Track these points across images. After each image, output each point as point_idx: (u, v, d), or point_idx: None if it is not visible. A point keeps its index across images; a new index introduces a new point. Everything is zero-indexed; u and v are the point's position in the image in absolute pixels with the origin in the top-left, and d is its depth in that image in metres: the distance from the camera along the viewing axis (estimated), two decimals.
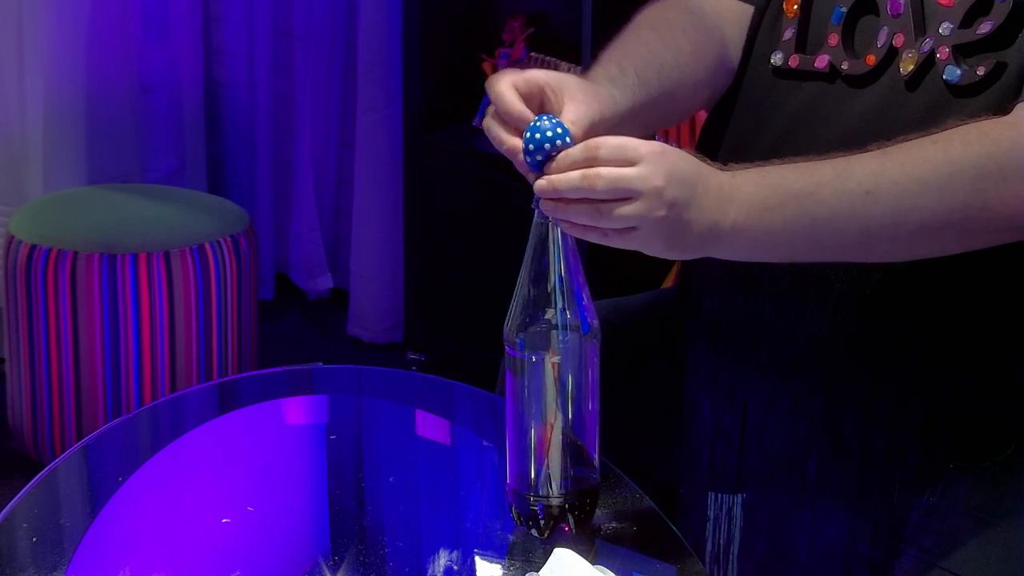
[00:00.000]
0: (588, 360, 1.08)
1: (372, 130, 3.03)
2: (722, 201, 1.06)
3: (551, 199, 1.04)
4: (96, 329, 2.33)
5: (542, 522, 1.11)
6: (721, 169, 1.09)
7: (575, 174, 1.02)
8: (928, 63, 1.15)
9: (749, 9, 1.32)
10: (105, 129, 3.02)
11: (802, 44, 1.26)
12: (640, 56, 1.23)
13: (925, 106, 1.15)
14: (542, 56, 2.76)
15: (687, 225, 1.04)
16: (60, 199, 2.63)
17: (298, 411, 1.43)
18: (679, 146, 1.09)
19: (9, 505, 1.15)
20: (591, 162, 1.02)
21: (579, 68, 2.61)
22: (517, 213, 2.69)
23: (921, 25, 1.17)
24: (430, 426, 1.40)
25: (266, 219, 3.34)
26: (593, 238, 1.05)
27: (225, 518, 1.17)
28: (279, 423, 1.40)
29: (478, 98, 2.82)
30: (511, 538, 1.14)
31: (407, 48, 2.79)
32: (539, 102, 1.11)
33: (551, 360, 1.07)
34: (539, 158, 1.04)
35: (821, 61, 1.23)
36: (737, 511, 1.29)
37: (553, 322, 1.07)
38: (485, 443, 1.34)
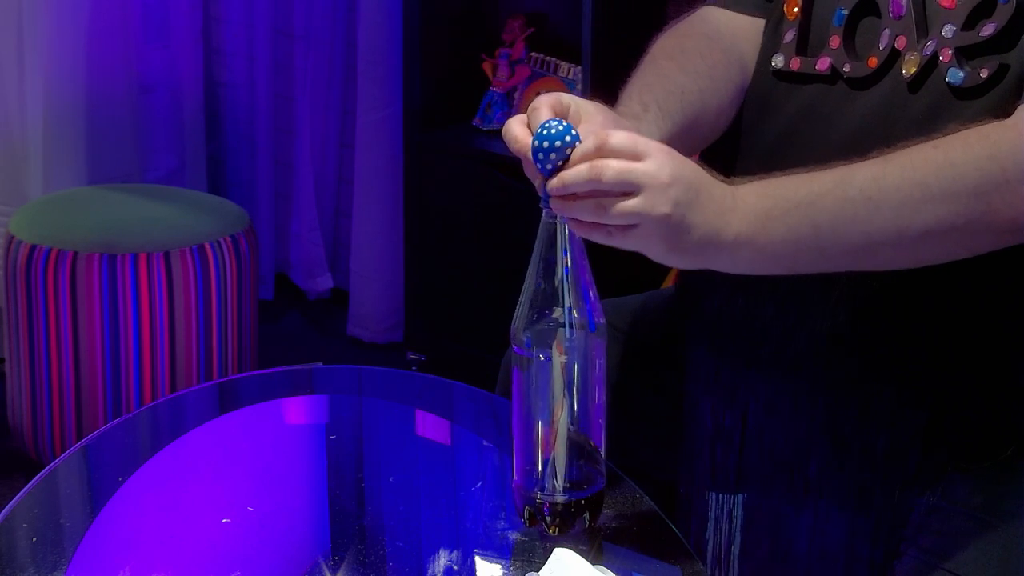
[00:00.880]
0: (595, 358, 1.09)
1: (372, 130, 3.03)
2: (724, 210, 1.06)
3: (560, 197, 1.04)
4: (96, 329, 2.33)
5: (548, 519, 1.11)
6: (724, 181, 1.09)
7: (583, 166, 1.03)
8: (930, 65, 1.15)
9: (762, 23, 1.32)
10: (105, 129, 3.02)
11: (803, 46, 1.25)
12: (661, 88, 1.22)
13: (927, 108, 1.15)
14: (542, 56, 2.76)
15: (688, 228, 1.04)
16: (60, 199, 2.63)
17: (298, 411, 1.43)
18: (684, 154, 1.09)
19: (9, 505, 1.15)
20: (600, 152, 1.03)
21: (579, 68, 2.61)
22: (517, 213, 2.70)
23: (923, 27, 1.17)
24: (430, 426, 1.40)
25: (266, 219, 3.34)
26: (598, 237, 1.05)
27: (225, 518, 1.17)
28: (279, 423, 1.40)
29: (478, 98, 2.82)
30: (511, 538, 1.14)
31: (407, 48, 2.79)
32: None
33: (558, 358, 1.08)
34: (548, 159, 1.04)
35: (822, 63, 1.23)
36: (737, 511, 1.30)
37: (560, 320, 1.07)
38: (485, 443, 1.34)
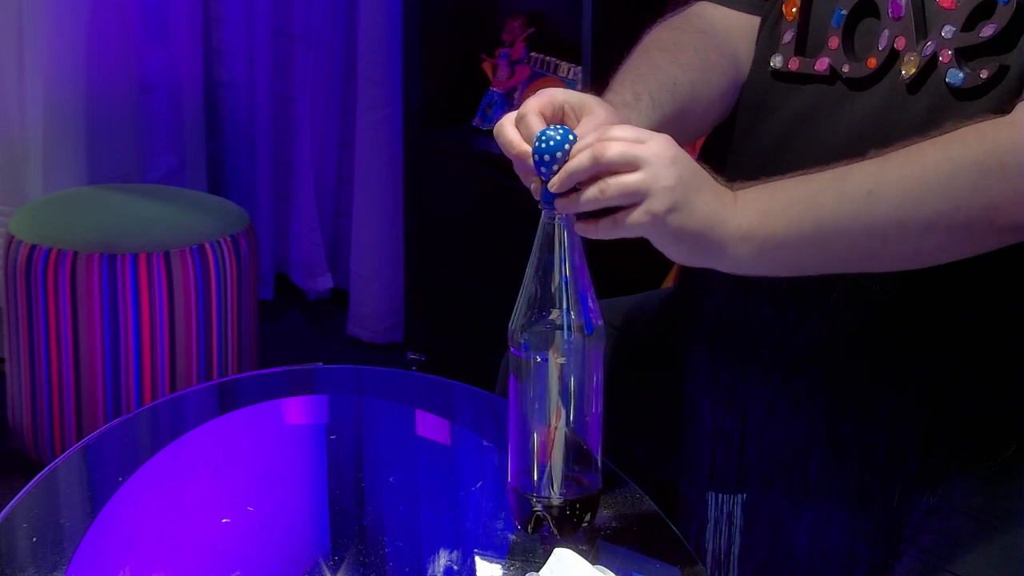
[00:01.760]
0: (592, 360, 1.09)
1: (372, 130, 3.03)
2: (724, 203, 1.07)
3: (563, 194, 1.05)
4: (96, 329, 2.33)
5: (544, 522, 1.11)
6: (723, 184, 1.10)
7: (586, 152, 1.03)
8: (930, 66, 1.15)
9: (757, 20, 1.32)
10: (105, 129, 3.02)
11: (801, 47, 1.25)
12: (653, 78, 1.23)
13: (926, 109, 1.15)
14: (542, 56, 2.76)
15: (690, 209, 1.05)
16: (60, 199, 2.63)
17: (298, 411, 1.43)
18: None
19: (9, 505, 1.15)
20: (602, 140, 1.04)
21: (579, 68, 2.61)
22: (517, 213, 2.69)
23: (923, 28, 1.17)
24: (430, 426, 1.40)
25: (266, 219, 3.34)
26: (604, 231, 1.06)
27: (225, 518, 1.17)
28: (279, 423, 1.40)
29: (478, 98, 2.82)
30: (511, 538, 1.14)
31: (407, 48, 2.79)
32: (559, 122, 1.11)
33: (555, 360, 1.07)
34: (551, 170, 1.05)
35: (821, 64, 1.23)
36: (737, 512, 1.30)
37: (558, 322, 1.07)
38: (485, 443, 1.34)
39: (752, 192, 1.10)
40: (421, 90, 2.78)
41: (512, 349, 1.09)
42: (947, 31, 1.15)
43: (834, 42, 1.22)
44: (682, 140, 1.14)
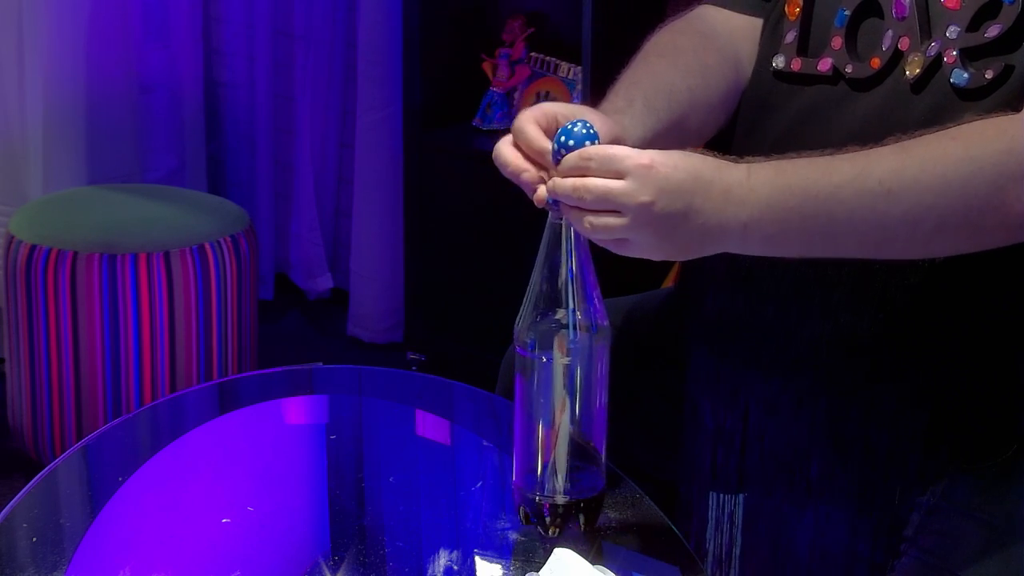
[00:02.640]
0: (598, 360, 1.09)
1: (372, 130, 3.03)
2: (731, 202, 1.06)
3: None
4: (96, 329, 2.33)
5: (548, 520, 1.11)
6: (736, 162, 1.08)
7: (568, 182, 1.04)
8: (934, 66, 1.15)
9: (759, 22, 1.32)
10: (105, 129, 3.02)
11: (804, 47, 1.25)
12: (648, 84, 1.22)
13: (930, 109, 1.14)
14: (542, 56, 2.76)
15: (683, 235, 1.05)
16: (60, 199, 2.63)
17: (298, 411, 1.43)
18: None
19: (9, 505, 1.15)
20: (583, 172, 1.03)
21: (579, 68, 2.61)
22: (517, 213, 2.69)
23: (927, 28, 1.16)
24: (430, 426, 1.40)
25: (266, 219, 3.34)
26: (597, 238, 1.06)
27: (225, 518, 1.17)
28: (279, 423, 1.40)
29: (478, 98, 2.82)
30: (511, 538, 1.14)
31: (407, 48, 2.79)
32: (553, 133, 1.11)
33: (561, 360, 1.08)
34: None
35: (824, 64, 1.23)
36: (738, 512, 1.29)
37: (564, 322, 1.07)
38: (485, 443, 1.34)
39: (766, 181, 1.07)
40: (421, 90, 2.78)
41: (518, 348, 1.09)
42: (952, 31, 1.14)
43: (837, 42, 1.22)
44: (684, 145, 1.14)
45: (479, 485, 1.24)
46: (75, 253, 2.32)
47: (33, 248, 2.34)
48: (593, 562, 1.06)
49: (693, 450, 1.32)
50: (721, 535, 1.31)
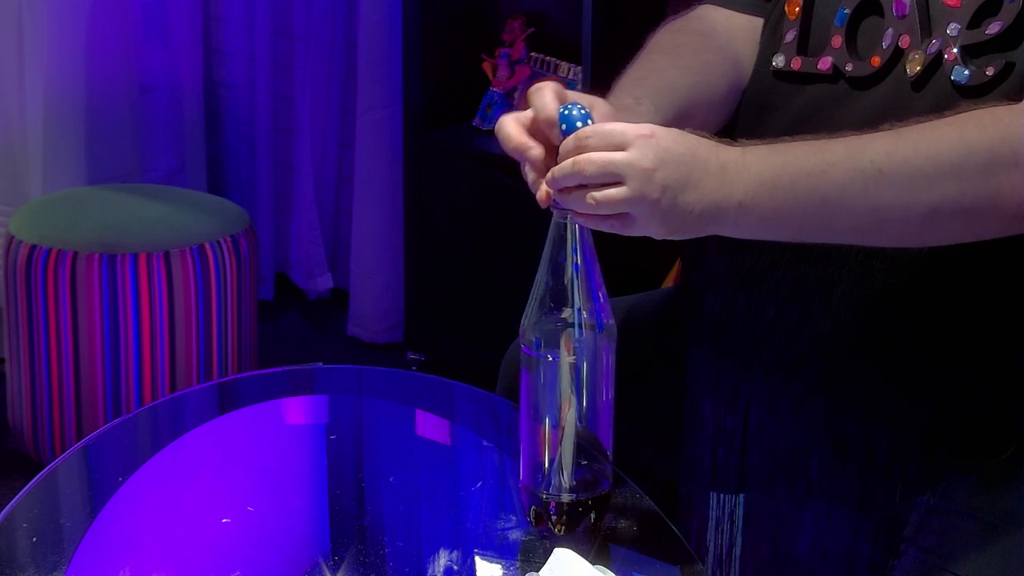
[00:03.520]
0: (603, 358, 1.09)
1: (372, 130, 3.03)
2: (726, 181, 1.06)
3: (559, 189, 1.05)
4: (96, 329, 2.33)
5: (554, 519, 1.11)
6: (730, 145, 1.08)
7: (567, 161, 1.03)
8: (935, 64, 1.15)
9: (759, 22, 1.32)
10: (105, 129, 3.02)
11: (804, 46, 1.25)
12: (652, 82, 1.23)
13: (931, 107, 1.14)
14: (542, 56, 2.76)
15: (684, 207, 1.04)
16: (60, 199, 2.63)
17: (298, 411, 1.43)
18: None
19: (9, 505, 1.15)
20: (581, 149, 1.04)
21: (579, 68, 2.61)
22: (517, 213, 2.70)
23: (927, 26, 1.16)
24: (430, 426, 1.40)
25: (266, 219, 3.34)
26: (604, 227, 1.06)
27: (225, 518, 1.17)
28: (279, 423, 1.40)
29: (478, 98, 2.82)
30: (511, 538, 1.14)
31: (407, 48, 2.79)
32: None
33: (566, 358, 1.08)
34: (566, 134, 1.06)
35: (824, 63, 1.23)
36: (739, 512, 1.29)
37: (569, 320, 1.07)
38: (485, 443, 1.34)
39: (760, 159, 1.08)
40: (421, 90, 2.78)
41: (523, 347, 1.09)
42: (952, 28, 1.14)
43: (837, 41, 1.22)
44: None
45: (479, 485, 1.24)
46: (75, 253, 2.32)
47: (33, 248, 2.34)
48: (593, 562, 1.06)
49: (693, 450, 1.32)
50: (721, 535, 1.31)
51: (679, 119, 1.22)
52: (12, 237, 2.40)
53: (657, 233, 1.06)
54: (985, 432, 1.20)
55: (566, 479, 1.10)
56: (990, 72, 1.12)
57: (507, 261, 2.68)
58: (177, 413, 1.45)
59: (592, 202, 1.03)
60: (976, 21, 1.14)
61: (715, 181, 1.06)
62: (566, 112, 1.06)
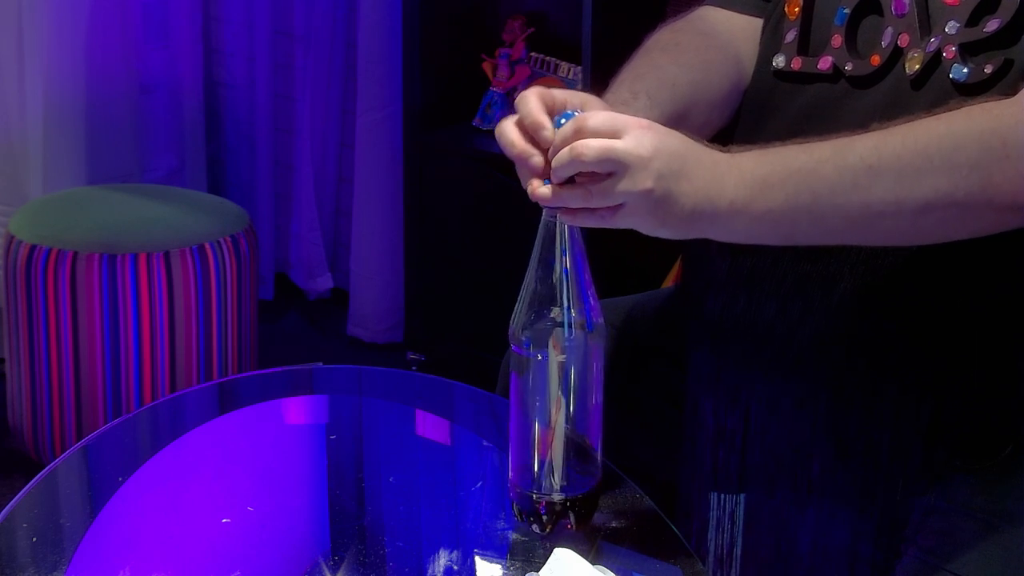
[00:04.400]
0: (593, 358, 1.09)
1: (372, 130, 3.03)
2: (718, 177, 1.06)
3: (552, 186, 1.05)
4: (96, 329, 2.33)
5: (544, 518, 1.11)
6: (720, 149, 1.09)
7: (565, 150, 1.03)
8: (934, 62, 1.15)
9: (759, 23, 1.32)
10: (105, 129, 3.02)
11: (804, 46, 1.25)
12: (652, 78, 1.23)
13: (931, 105, 1.14)
14: (542, 56, 2.76)
15: (678, 199, 1.05)
16: (60, 199, 2.63)
17: (298, 411, 1.43)
18: None
19: (9, 505, 1.15)
20: (579, 134, 1.04)
21: (579, 68, 2.61)
22: (517, 213, 2.69)
23: (927, 24, 1.17)
24: (430, 426, 1.40)
25: (266, 219, 3.34)
26: (591, 222, 1.06)
27: (225, 518, 1.17)
28: (279, 423, 1.40)
29: (478, 98, 2.82)
30: (511, 538, 1.14)
31: (407, 48, 2.79)
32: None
33: (556, 358, 1.08)
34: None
35: (824, 62, 1.23)
36: (739, 512, 1.29)
37: (559, 320, 1.07)
38: (485, 443, 1.34)
39: (750, 159, 1.09)
40: (421, 90, 2.78)
41: (513, 346, 1.09)
42: (951, 27, 1.14)
43: (837, 40, 1.22)
44: None
45: (479, 485, 1.24)
46: (75, 253, 2.32)
47: (33, 248, 2.34)
48: (593, 562, 1.06)
49: (694, 450, 1.32)
50: (722, 535, 1.31)
51: (679, 116, 1.22)
52: (12, 237, 2.40)
53: (646, 225, 1.06)
54: (985, 431, 1.20)
55: (556, 478, 1.10)
56: (989, 69, 1.12)
57: (507, 261, 2.68)
58: (177, 413, 1.45)
59: (588, 195, 1.04)
60: (975, 19, 1.14)
61: (708, 174, 1.06)
62: (563, 122, 1.06)
